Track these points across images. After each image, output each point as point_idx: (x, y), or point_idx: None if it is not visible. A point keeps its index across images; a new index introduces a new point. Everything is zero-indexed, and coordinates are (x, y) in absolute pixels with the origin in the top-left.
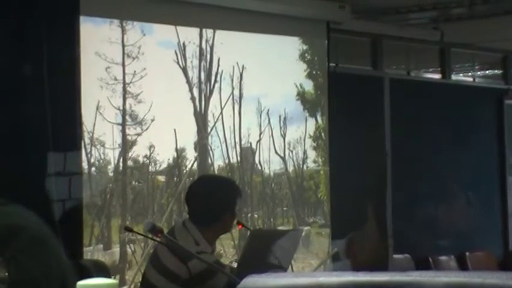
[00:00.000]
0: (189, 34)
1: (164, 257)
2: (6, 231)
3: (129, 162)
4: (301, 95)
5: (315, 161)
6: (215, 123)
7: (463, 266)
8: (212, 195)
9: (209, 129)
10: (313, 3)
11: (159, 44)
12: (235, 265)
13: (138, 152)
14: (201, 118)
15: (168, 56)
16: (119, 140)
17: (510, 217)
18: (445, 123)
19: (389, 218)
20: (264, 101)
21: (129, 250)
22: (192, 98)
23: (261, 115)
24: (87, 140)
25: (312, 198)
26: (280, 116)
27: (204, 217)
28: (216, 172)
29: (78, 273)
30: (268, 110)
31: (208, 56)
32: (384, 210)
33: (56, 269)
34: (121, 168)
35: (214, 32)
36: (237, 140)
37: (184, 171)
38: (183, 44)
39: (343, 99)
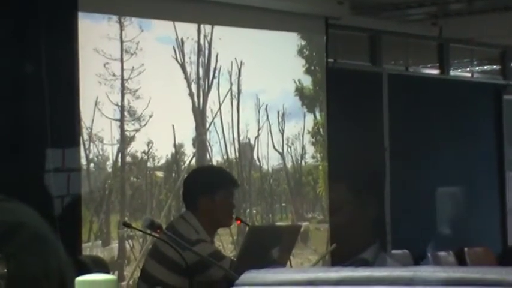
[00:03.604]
0: (188, 30)
1: (164, 247)
2: (7, 228)
3: (128, 158)
4: (300, 91)
5: (313, 157)
6: (213, 119)
7: (461, 261)
8: (188, 180)
9: (207, 125)
10: None
11: (157, 40)
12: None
13: (137, 147)
14: (199, 114)
15: (167, 51)
16: (117, 136)
17: (509, 213)
18: (444, 119)
19: (388, 214)
20: (262, 97)
21: (127, 246)
22: (191, 94)
23: (259, 111)
24: (85, 136)
25: (311, 194)
26: (278, 112)
27: (185, 201)
28: None
29: (77, 269)
30: (266, 106)
31: (207, 52)
32: (383, 206)
33: (55, 266)
34: (119, 164)
35: (212, 28)
36: (236, 135)
37: (183, 167)
38: (182, 39)
39: (341, 94)
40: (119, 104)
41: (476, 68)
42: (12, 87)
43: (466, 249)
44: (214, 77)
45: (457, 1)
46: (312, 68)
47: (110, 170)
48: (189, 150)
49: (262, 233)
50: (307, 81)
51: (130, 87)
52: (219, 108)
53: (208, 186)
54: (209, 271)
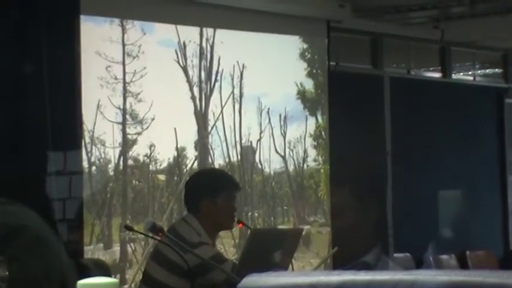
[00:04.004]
0: (190, 33)
1: (166, 250)
2: (8, 231)
3: (130, 161)
4: (302, 94)
5: (315, 160)
6: (215, 122)
7: (463, 265)
8: (190, 183)
9: (209, 128)
10: (313, 2)
11: (159, 43)
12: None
13: (139, 151)
14: (201, 117)
15: (169, 55)
16: (119, 139)
17: (511, 216)
18: (446, 122)
19: (390, 217)
20: (264, 100)
21: (129, 249)
22: (193, 97)
23: (261, 114)
24: (87, 139)
25: (312, 197)
26: (280, 115)
27: (186, 204)
28: None
29: (79, 272)
30: (268, 109)
31: (209, 55)
32: (384, 209)
33: (57, 268)
34: (121, 167)
35: (214, 31)
36: (238, 139)
37: (185, 170)
38: (184, 43)
39: (343, 98)
40: (121, 107)
41: (478, 72)
42: (13, 89)
43: (467, 252)
44: (216, 80)
45: (459, 4)
46: (314, 71)
47: (111, 173)
48: (191, 154)
49: (264, 236)
50: (309, 85)
51: (133, 90)
52: (221, 112)
53: (211, 189)
54: (211, 274)
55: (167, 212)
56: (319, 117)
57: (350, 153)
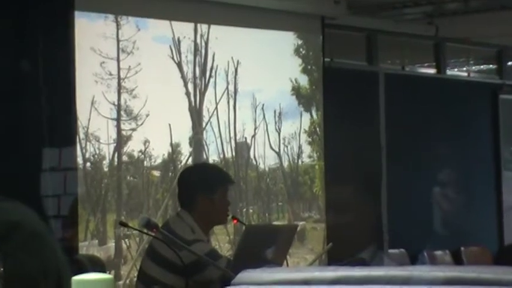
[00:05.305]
0: (184, 29)
1: (161, 247)
2: (4, 227)
3: (124, 158)
4: (296, 90)
5: (310, 156)
6: (210, 118)
7: (458, 260)
8: (185, 179)
9: (204, 124)
10: None
11: (154, 39)
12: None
13: (133, 147)
14: (196, 113)
15: (163, 51)
16: (113, 135)
17: (505, 212)
18: (440, 118)
19: (385, 213)
20: (259, 96)
21: (124, 245)
22: (187, 93)
23: (256, 110)
24: (82, 135)
25: (307, 193)
26: (275, 111)
27: (181, 200)
28: None
29: (74, 268)
30: (263, 105)
31: (203, 51)
32: (379, 205)
33: (52, 265)
34: (116, 163)
35: (209, 27)
36: (232, 135)
37: (179, 166)
38: (178, 39)
39: (338, 94)
40: (116, 103)
41: (473, 67)
42: (8, 86)
43: (462, 248)
44: (210, 76)
45: (453, 0)
46: (309, 67)
47: (106, 169)
48: (186, 150)
49: (259, 232)
50: (303, 81)
51: (127, 86)
52: (216, 108)
53: (207, 186)
54: (206, 270)
55: (162, 208)
56: (314, 114)
57: (345, 149)
